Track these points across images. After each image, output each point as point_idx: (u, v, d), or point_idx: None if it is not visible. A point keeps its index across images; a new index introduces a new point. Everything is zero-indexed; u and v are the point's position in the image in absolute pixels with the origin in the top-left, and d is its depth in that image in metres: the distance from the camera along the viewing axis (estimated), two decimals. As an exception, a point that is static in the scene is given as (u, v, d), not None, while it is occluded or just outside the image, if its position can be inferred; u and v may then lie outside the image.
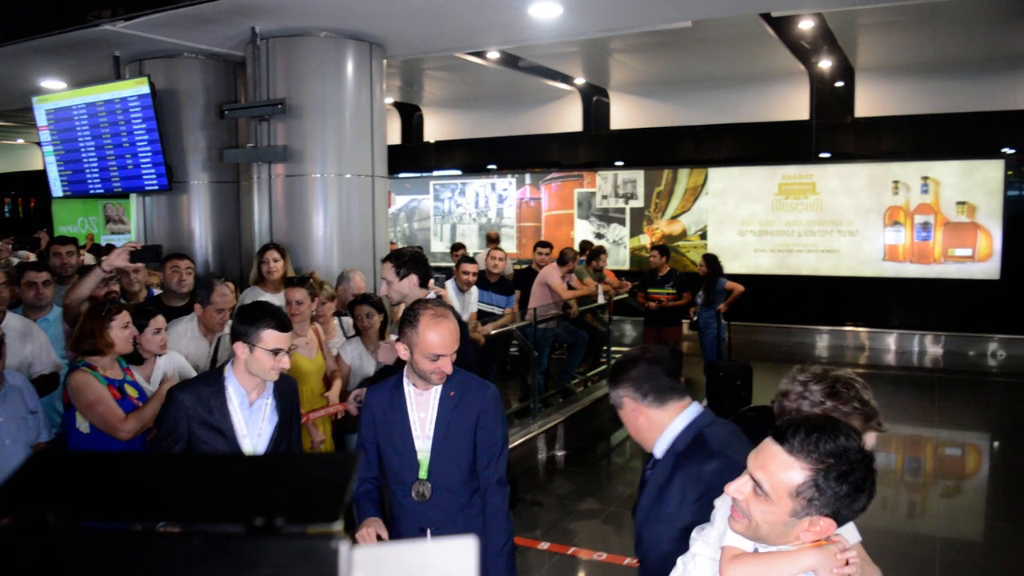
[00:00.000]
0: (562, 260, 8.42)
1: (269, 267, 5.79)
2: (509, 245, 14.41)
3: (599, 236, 13.74)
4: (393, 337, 5.09)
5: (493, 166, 15.09)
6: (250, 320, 2.97)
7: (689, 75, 12.50)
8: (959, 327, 11.92)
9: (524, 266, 10.23)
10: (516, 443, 6.71)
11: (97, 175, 7.75)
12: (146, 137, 7.35)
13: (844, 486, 1.58)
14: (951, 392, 10.05)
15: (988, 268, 11.69)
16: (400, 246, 13.42)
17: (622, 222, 13.95)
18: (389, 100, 14.29)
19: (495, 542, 2.87)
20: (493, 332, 7.45)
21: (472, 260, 7.35)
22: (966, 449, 8.25)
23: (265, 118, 6.96)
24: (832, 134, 12.52)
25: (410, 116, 15.60)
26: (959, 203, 11.84)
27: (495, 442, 2.88)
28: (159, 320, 4.01)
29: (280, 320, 3.00)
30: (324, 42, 6.91)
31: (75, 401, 3.57)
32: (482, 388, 2.93)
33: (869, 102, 12.27)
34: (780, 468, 1.61)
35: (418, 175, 15.80)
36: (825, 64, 11.68)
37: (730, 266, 11.18)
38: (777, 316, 12.74)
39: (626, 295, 9.59)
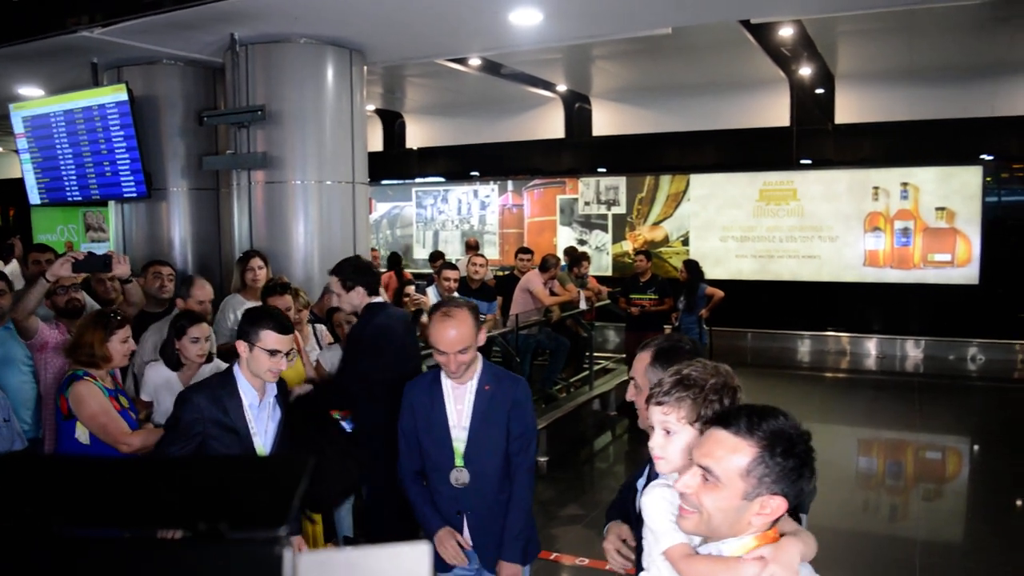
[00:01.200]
0: (544, 266, 8.42)
1: (255, 275, 5.74)
2: (492, 252, 14.39)
3: (582, 242, 13.75)
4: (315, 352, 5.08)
5: (476, 173, 15.09)
6: (252, 320, 3.13)
7: (670, 82, 12.54)
8: (939, 332, 12.00)
9: (506, 272, 10.22)
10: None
11: (75, 182, 7.69)
12: (124, 144, 7.29)
13: (790, 460, 1.63)
14: (932, 396, 10.10)
15: (967, 273, 11.78)
16: (382, 253, 13.42)
17: (605, 228, 13.97)
18: (371, 107, 14.27)
19: (513, 525, 3.05)
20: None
21: (454, 266, 7.34)
22: (947, 453, 8.30)
23: (244, 125, 6.93)
24: (812, 141, 12.59)
25: (392, 123, 15.59)
26: (938, 209, 11.92)
27: (526, 431, 3.10)
28: (203, 328, 4.08)
29: (280, 323, 3.13)
30: (304, 48, 6.89)
31: (78, 411, 3.52)
32: (514, 382, 3.14)
33: (849, 109, 12.35)
34: (728, 451, 1.65)
35: (400, 182, 15.78)
36: (805, 71, 11.75)
37: (712, 272, 11.22)
38: (759, 321, 12.79)
39: (607, 301, 9.59)
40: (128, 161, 7.33)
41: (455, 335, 2.92)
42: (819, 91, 12.40)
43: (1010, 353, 11.68)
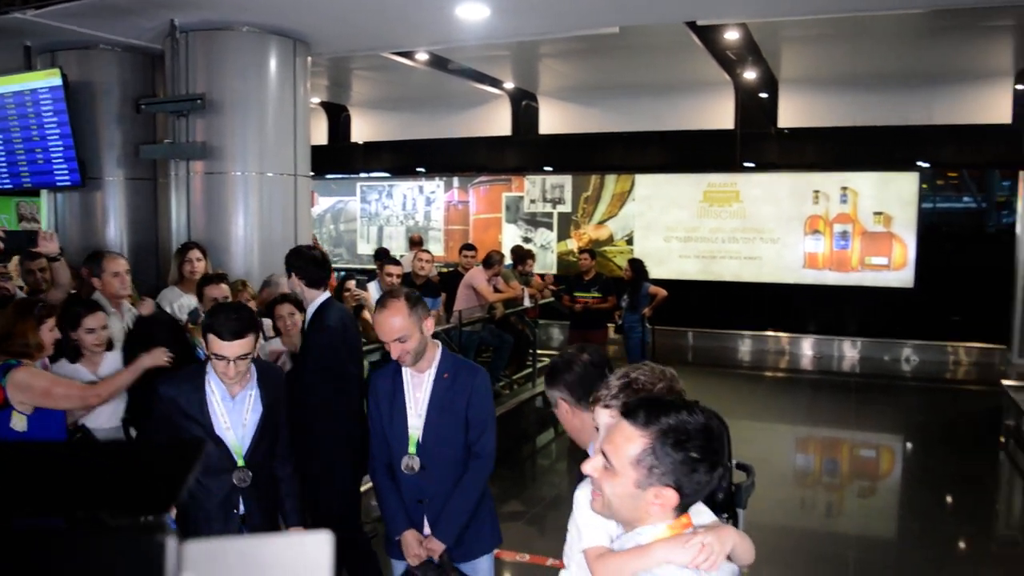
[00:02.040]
0: (488, 263, 8.38)
1: (192, 267, 5.62)
2: (437, 248, 14.33)
3: (527, 240, 13.76)
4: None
5: (422, 169, 15.00)
6: (207, 318, 3.07)
7: (617, 82, 12.59)
8: (875, 333, 12.26)
9: (450, 269, 10.17)
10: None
11: (5, 170, 7.44)
12: (57, 131, 7.07)
13: (680, 454, 1.66)
14: (867, 396, 10.31)
15: (903, 276, 12.05)
16: (326, 249, 13.25)
17: (550, 226, 14.00)
18: (315, 99, 14.09)
19: (454, 506, 3.09)
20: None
21: (396, 262, 7.27)
22: (881, 451, 8.47)
23: (184, 114, 6.77)
24: (756, 144, 12.75)
25: (337, 116, 15.40)
26: (876, 213, 12.18)
27: (483, 419, 3.13)
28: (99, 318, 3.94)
29: (225, 326, 2.94)
30: (246, 37, 6.76)
31: (27, 396, 3.42)
32: (473, 371, 3.19)
33: (792, 113, 12.53)
34: (624, 440, 1.71)
35: (345, 176, 15.62)
36: (750, 75, 11.89)
37: (655, 271, 11.28)
38: (700, 321, 12.93)
39: (552, 299, 9.60)
40: (61, 149, 7.11)
41: (390, 324, 2.97)
42: (763, 95, 12.56)
43: (942, 354, 11.98)
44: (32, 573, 0.49)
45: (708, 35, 9.77)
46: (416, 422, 3.10)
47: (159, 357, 3.79)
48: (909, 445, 8.59)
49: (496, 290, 8.35)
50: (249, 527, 3.12)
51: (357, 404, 4.09)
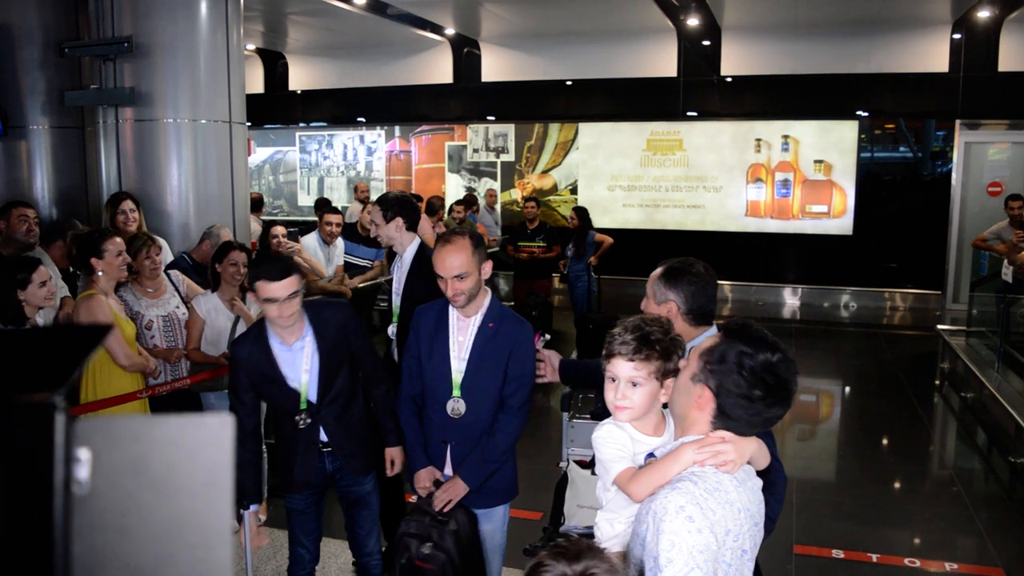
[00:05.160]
0: (431, 210, 8.26)
1: (126, 217, 5.43)
2: (379, 199, 14.09)
3: (470, 190, 13.60)
4: None
5: (362, 118, 14.70)
6: (251, 270, 3.21)
7: (560, 28, 12.44)
8: (815, 280, 12.46)
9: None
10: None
11: (-81, 117, 7.07)
12: (-25, 76, 6.73)
13: (737, 372, 1.84)
14: (807, 341, 10.48)
15: (842, 224, 12.22)
16: (268, 200, 12.97)
17: (493, 176, 13.86)
18: (251, 46, 13.68)
19: (483, 451, 3.12)
20: (361, 285, 7.26)
21: (336, 210, 7.11)
22: (820, 395, 8.62)
23: (110, 57, 6.44)
24: (698, 92, 12.74)
25: (274, 64, 14.98)
26: (816, 162, 12.29)
27: (523, 374, 3.13)
28: (43, 272, 3.82)
29: (271, 269, 3.06)
30: (174, -25, 6.45)
31: None
32: (518, 324, 3.18)
33: (734, 61, 12.52)
34: (708, 341, 1.92)
35: (283, 127, 15.25)
36: (693, 22, 11.81)
37: (599, 221, 11.29)
38: (645, 270, 12.65)
39: (496, 248, 9.53)
40: (-21, 94, 6.77)
41: (453, 260, 3.00)
42: (706, 43, 12.52)
43: (879, 300, 12.22)
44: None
45: (652, -20, 9.66)
46: (459, 365, 3.13)
47: None
48: (847, 389, 8.77)
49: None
50: (339, 454, 3.38)
51: None
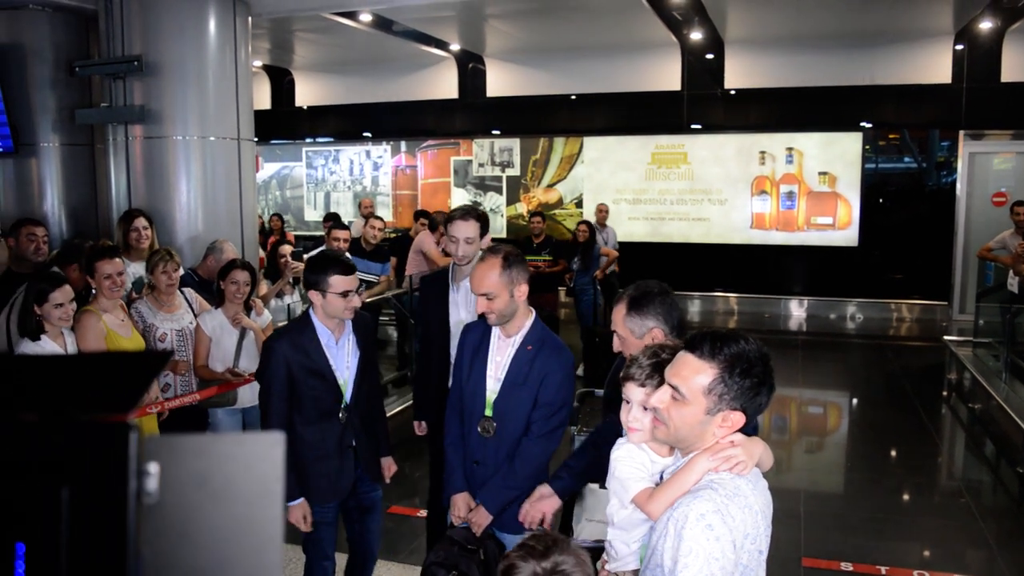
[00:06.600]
0: (433, 226, 8.31)
1: (139, 235, 5.51)
2: (385, 213, 14.18)
3: (476, 204, 13.67)
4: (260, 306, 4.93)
5: (368, 133, 14.80)
6: (320, 269, 3.32)
7: (565, 44, 12.52)
8: (820, 292, 12.48)
9: (399, 234, 10.07)
10: (393, 412, 6.60)
11: (-68, 135, 7.16)
12: (-13, 95, 6.81)
13: (747, 380, 1.85)
14: (813, 353, 10.50)
15: (847, 235, 12.25)
16: (267, 215, 13.04)
17: (499, 190, 13.94)
18: (258, 62, 13.79)
19: (507, 477, 3.09)
20: (368, 300, 7.30)
21: (344, 226, 7.17)
22: (827, 407, 8.64)
23: (120, 76, 6.54)
24: (703, 105, 12.81)
25: (281, 80, 15.10)
26: (821, 173, 12.33)
27: (553, 402, 3.10)
28: (66, 291, 3.86)
29: (345, 265, 3.34)
30: (184, -5, 6.54)
31: None
32: (557, 351, 3.16)
33: (738, 74, 12.59)
34: (693, 372, 1.87)
35: (290, 142, 15.35)
36: (696, 36, 11.90)
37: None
38: (651, 283, 12.97)
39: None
40: (-9, 114, 6.85)
41: (481, 277, 3.05)
42: (709, 56, 12.59)
43: (885, 312, 12.23)
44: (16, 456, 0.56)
45: (655, -5, 9.73)
46: (494, 385, 3.13)
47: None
48: (855, 401, 8.78)
49: (445, 253, 8.28)
50: (361, 459, 3.50)
51: None
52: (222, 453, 0.57)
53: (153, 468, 0.54)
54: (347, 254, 7.01)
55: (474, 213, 3.75)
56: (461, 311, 3.80)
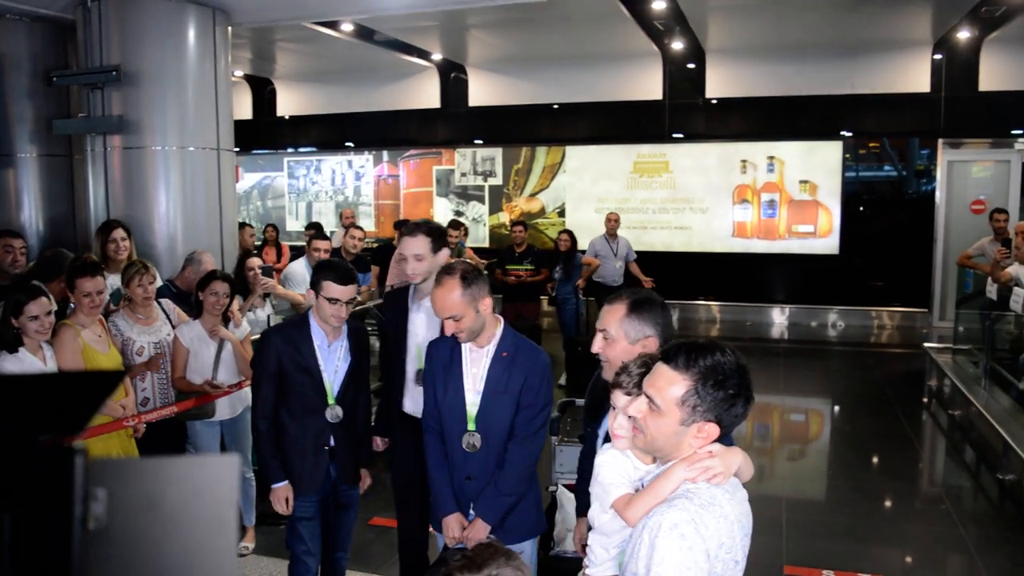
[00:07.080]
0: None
1: (117, 246, 5.45)
2: (367, 223, 14.14)
3: (458, 214, 13.67)
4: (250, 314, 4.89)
5: (350, 143, 14.76)
6: (320, 271, 3.45)
7: (546, 53, 12.55)
8: (802, 300, 12.54)
9: (381, 243, 10.04)
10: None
11: (-92, 146, 7.09)
12: (-37, 105, 6.75)
13: (720, 392, 1.86)
14: (795, 361, 10.54)
15: (828, 244, 12.31)
16: (258, 225, 12.97)
17: (481, 200, 13.93)
18: (238, 72, 13.74)
19: (500, 485, 3.06)
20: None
21: (326, 237, 7.14)
22: (809, 414, 8.66)
23: (98, 86, 6.48)
24: (684, 114, 12.86)
25: (262, 90, 15.05)
26: (802, 182, 12.40)
27: (536, 403, 3.09)
28: (43, 304, 3.78)
29: (343, 275, 3.39)
30: (162, 5, 6.49)
31: None
32: (533, 353, 3.16)
33: (719, 84, 12.65)
34: (667, 384, 1.89)
35: (271, 152, 15.29)
36: (677, 45, 11.95)
37: (587, 243, 11.33)
38: (633, 292, 12.98)
39: (484, 272, 9.55)
40: (-32, 123, 6.79)
41: (443, 301, 3.00)
42: (691, 66, 12.65)
43: (866, 319, 12.30)
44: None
45: (636, 5, 9.77)
46: (473, 398, 3.08)
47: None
48: (836, 408, 8.81)
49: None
50: (338, 462, 3.57)
51: None
52: (173, 476, 0.55)
53: (101, 493, 0.53)
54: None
55: (424, 228, 3.61)
56: (420, 330, 3.64)
